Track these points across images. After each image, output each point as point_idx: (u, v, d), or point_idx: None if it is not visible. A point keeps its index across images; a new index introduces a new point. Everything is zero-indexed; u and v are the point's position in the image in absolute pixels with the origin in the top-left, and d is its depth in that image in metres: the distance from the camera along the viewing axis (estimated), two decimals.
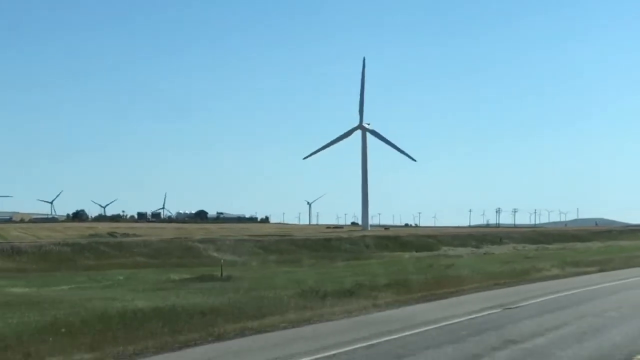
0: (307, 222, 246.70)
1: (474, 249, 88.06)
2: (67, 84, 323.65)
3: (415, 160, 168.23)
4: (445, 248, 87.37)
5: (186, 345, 19.24)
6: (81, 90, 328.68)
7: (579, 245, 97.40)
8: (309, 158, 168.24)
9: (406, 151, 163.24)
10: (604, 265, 51.82)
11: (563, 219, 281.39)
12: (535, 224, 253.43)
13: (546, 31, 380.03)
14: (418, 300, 29.04)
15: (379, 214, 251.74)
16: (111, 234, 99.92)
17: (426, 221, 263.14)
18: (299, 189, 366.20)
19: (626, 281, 38.34)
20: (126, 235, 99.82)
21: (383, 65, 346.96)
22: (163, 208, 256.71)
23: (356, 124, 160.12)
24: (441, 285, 34.72)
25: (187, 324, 21.92)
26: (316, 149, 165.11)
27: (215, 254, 66.42)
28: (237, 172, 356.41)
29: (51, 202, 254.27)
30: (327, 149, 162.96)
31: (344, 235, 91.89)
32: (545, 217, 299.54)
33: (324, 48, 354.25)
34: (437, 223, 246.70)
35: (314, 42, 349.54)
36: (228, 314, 24.25)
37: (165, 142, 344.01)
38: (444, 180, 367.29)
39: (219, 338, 20.10)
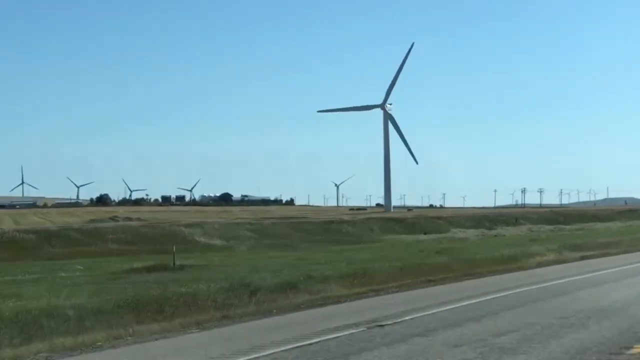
0: (335, 204, 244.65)
1: (485, 231, 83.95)
2: (71, 80, 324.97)
3: (417, 163, 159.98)
4: (455, 230, 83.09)
5: None
6: (85, 85, 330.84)
7: (598, 225, 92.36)
8: (323, 113, 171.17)
9: (414, 147, 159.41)
10: (609, 248, 47.98)
11: (592, 199, 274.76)
12: (562, 204, 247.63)
13: (573, 11, 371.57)
14: (353, 297, 25.34)
15: (404, 195, 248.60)
16: (112, 219, 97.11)
17: (455, 202, 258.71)
18: (328, 170, 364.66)
19: (612, 270, 33.77)
20: (128, 219, 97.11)
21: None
22: (190, 191, 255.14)
23: (380, 101, 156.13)
24: (405, 276, 31.30)
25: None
26: (334, 108, 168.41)
27: (201, 239, 63.06)
28: (269, 155, 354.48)
29: (78, 187, 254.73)
30: (346, 113, 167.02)
31: (346, 218, 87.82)
32: (574, 197, 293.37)
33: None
34: (465, 204, 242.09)
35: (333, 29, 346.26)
36: (116, 317, 20.76)
37: (193, 127, 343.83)
38: (473, 161, 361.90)
39: None
